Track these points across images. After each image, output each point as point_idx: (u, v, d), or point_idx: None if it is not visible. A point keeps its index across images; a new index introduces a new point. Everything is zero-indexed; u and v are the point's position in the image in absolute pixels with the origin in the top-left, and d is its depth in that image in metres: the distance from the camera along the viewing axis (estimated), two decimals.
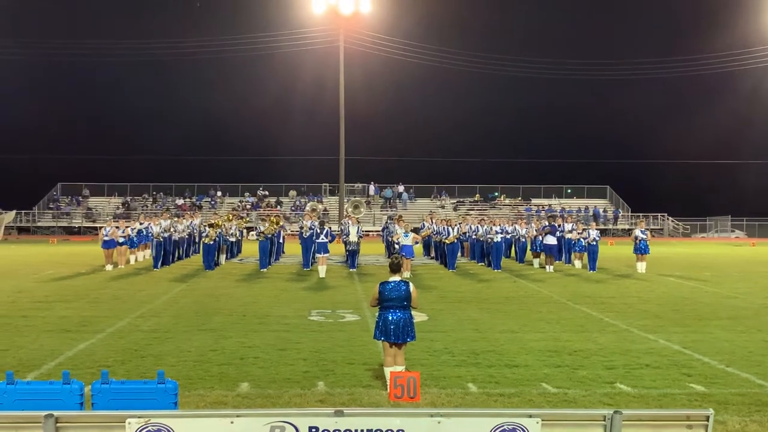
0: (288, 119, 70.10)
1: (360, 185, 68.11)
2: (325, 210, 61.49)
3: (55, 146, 67.80)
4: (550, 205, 67.13)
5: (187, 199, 66.39)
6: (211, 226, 27.34)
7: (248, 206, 64.32)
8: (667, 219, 67.03)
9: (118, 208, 64.54)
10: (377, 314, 9.67)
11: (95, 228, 55.04)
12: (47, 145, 67.49)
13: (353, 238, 26.64)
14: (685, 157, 69.18)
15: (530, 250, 30.22)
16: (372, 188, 68.23)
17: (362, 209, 58.28)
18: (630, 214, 66.65)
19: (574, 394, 9.24)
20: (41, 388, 7.14)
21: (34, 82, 68.42)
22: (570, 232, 29.29)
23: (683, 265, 29.70)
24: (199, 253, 30.08)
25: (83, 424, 5.65)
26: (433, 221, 33.25)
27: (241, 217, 38.56)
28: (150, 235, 27.71)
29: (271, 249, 27.57)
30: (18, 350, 11.52)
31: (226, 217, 31.67)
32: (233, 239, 30.53)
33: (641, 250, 26.39)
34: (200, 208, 61.94)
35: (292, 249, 33.22)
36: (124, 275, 23.83)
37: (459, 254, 28.95)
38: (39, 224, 63.01)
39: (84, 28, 67.14)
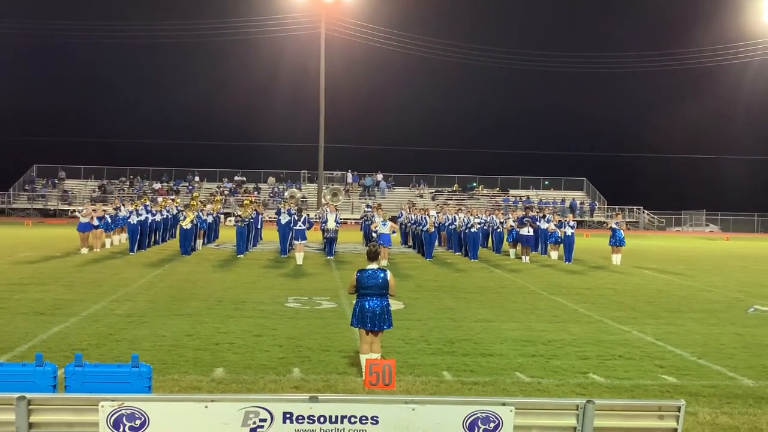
0: (268, 105, 69.75)
1: (339, 173, 67.91)
2: (304, 197, 61.34)
3: (32, 128, 67.09)
4: (527, 197, 67.38)
5: (165, 184, 65.93)
6: (186, 206, 27.21)
7: (226, 192, 64.03)
8: (643, 212, 67.48)
9: (94, 191, 63.98)
10: (354, 302, 9.68)
11: (71, 211, 54.47)
12: (23, 127, 66.73)
13: (331, 225, 26.59)
14: (662, 151, 69.63)
15: (507, 240, 30.33)
16: (350, 176, 68.12)
17: (340, 197, 58.16)
18: (606, 206, 67.02)
19: (547, 383, 9.32)
20: (14, 369, 7.06)
21: (11, 63, 67.53)
22: (546, 222, 29.42)
23: (658, 258, 29.94)
24: (175, 237, 29.90)
25: (56, 407, 5.62)
26: (411, 210, 33.28)
27: (217, 200, 38.50)
28: (126, 218, 27.50)
29: (248, 235, 27.47)
30: None
31: (200, 203, 31.63)
32: (210, 219, 30.42)
33: (617, 242, 26.56)
34: (177, 192, 61.50)
35: (270, 235, 33.14)
36: (99, 259, 23.66)
37: (436, 243, 29.01)
38: (14, 206, 62.27)
39: (63, 9, 66.27)
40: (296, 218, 25.31)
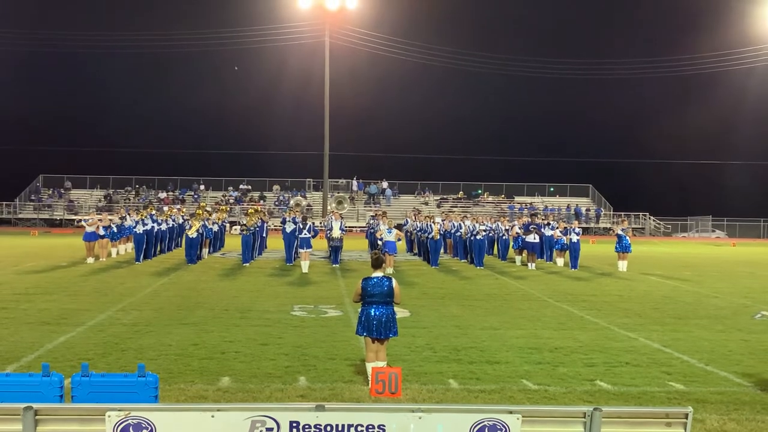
0: (273, 114, 69.94)
1: (344, 181, 67.98)
2: (309, 205, 61.39)
3: (38, 138, 67.34)
4: (532, 203, 67.34)
5: (170, 193, 66.06)
6: (192, 215, 27.29)
7: (231, 200, 64.14)
8: (649, 218, 67.39)
9: (100, 200, 64.15)
10: (360, 310, 9.67)
11: (77, 220, 54.54)
12: (29, 137, 66.99)
13: (336, 233, 26.60)
14: (668, 157, 69.59)
15: (513, 247, 30.31)
16: (355, 184, 68.16)
17: (346, 205, 58.24)
18: (612, 212, 66.95)
19: (554, 391, 9.29)
20: (20, 380, 7.09)
21: (17, 73, 67.80)
22: (552, 229, 29.38)
23: (664, 264, 29.87)
24: (181, 246, 29.95)
25: (63, 417, 5.62)
26: (416, 218, 33.28)
27: (222, 209, 38.63)
28: (131, 228, 27.56)
29: (254, 244, 27.49)
30: None
31: (206, 212, 31.70)
32: (215, 228, 30.47)
33: (623, 248, 26.51)
34: (183, 201, 61.61)
35: (275, 244, 33.15)
36: (105, 268, 23.70)
37: (442, 251, 28.99)
38: (20, 216, 62.49)
39: (69, 19, 66.60)
40: (301, 226, 25.34)
